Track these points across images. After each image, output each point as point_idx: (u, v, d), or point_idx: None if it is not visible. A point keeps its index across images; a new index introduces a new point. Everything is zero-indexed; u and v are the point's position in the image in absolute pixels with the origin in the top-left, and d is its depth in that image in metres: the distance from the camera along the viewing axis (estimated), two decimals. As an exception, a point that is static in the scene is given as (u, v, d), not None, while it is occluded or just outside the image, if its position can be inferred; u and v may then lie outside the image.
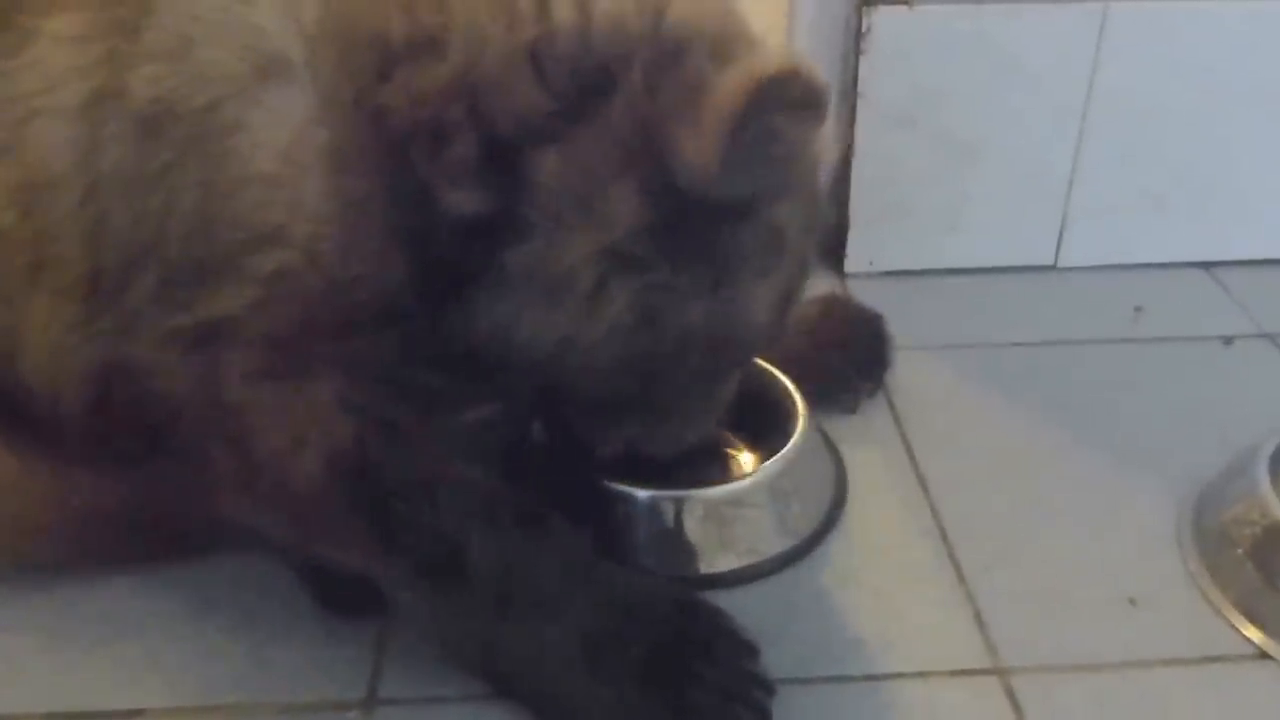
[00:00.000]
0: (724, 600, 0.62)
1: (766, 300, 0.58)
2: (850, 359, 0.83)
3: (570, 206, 0.53)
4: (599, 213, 0.53)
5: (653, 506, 0.68)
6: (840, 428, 0.82)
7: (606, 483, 0.69)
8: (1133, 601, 0.68)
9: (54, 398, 0.62)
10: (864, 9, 0.89)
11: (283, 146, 0.54)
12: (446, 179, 0.53)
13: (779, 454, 0.71)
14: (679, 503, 0.68)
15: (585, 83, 0.52)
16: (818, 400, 0.81)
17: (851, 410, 0.83)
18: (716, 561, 0.69)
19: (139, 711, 0.60)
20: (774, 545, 0.70)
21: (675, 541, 0.68)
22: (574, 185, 0.52)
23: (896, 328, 0.87)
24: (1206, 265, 1.02)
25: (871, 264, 1.00)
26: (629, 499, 0.68)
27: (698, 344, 0.57)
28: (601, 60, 0.52)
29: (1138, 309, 0.96)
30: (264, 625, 0.65)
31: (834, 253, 1.00)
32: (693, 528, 0.68)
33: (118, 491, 0.64)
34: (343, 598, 0.65)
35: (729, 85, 0.50)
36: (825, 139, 0.55)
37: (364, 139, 0.54)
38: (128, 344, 0.58)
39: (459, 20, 0.53)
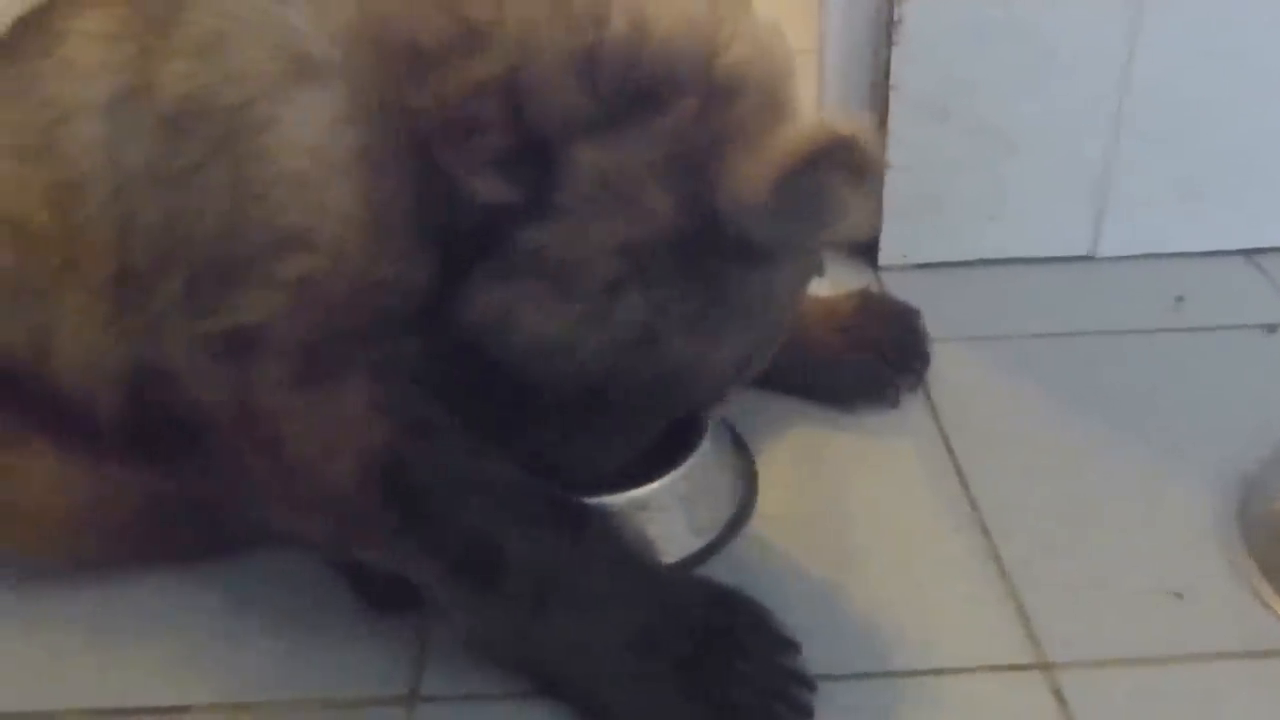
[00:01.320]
0: (761, 593, 0.61)
1: (737, 352, 0.59)
2: (887, 357, 0.82)
3: (605, 193, 0.52)
4: (633, 206, 0.52)
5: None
6: (875, 420, 0.81)
7: None
8: (1178, 595, 0.66)
9: (88, 397, 0.62)
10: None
11: (312, 146, 0.54)
12: (473, 168, 0.53)
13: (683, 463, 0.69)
14: None
15: (632, 96, 0.53)
16: (855, 399, 0.81)
17: (893, 405, 0.82)
18: None
19: (184, 708, 0.60)
20: (686, 546, 0.68)
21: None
22: (613, 175, 0.52)
23: (932, 320, 0.86)
24: (1247, 253, 0.99)
25: (905, 256, 0.98)
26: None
27: (669, 378, 0.57)
28: (651, 78, 0.53)
29: (1178, 298, 0.94)
30: (305, 621, 0.65)
31: (867, 245, 0.98)
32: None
33: (156, 489, 0.64)
34: (384, 594, 0.64)
35: (796, 133, 0.51)
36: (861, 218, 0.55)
37: (393, 140, 0.54)
38: (158, 346, 0.58)
39: (513, 18, 0.53)
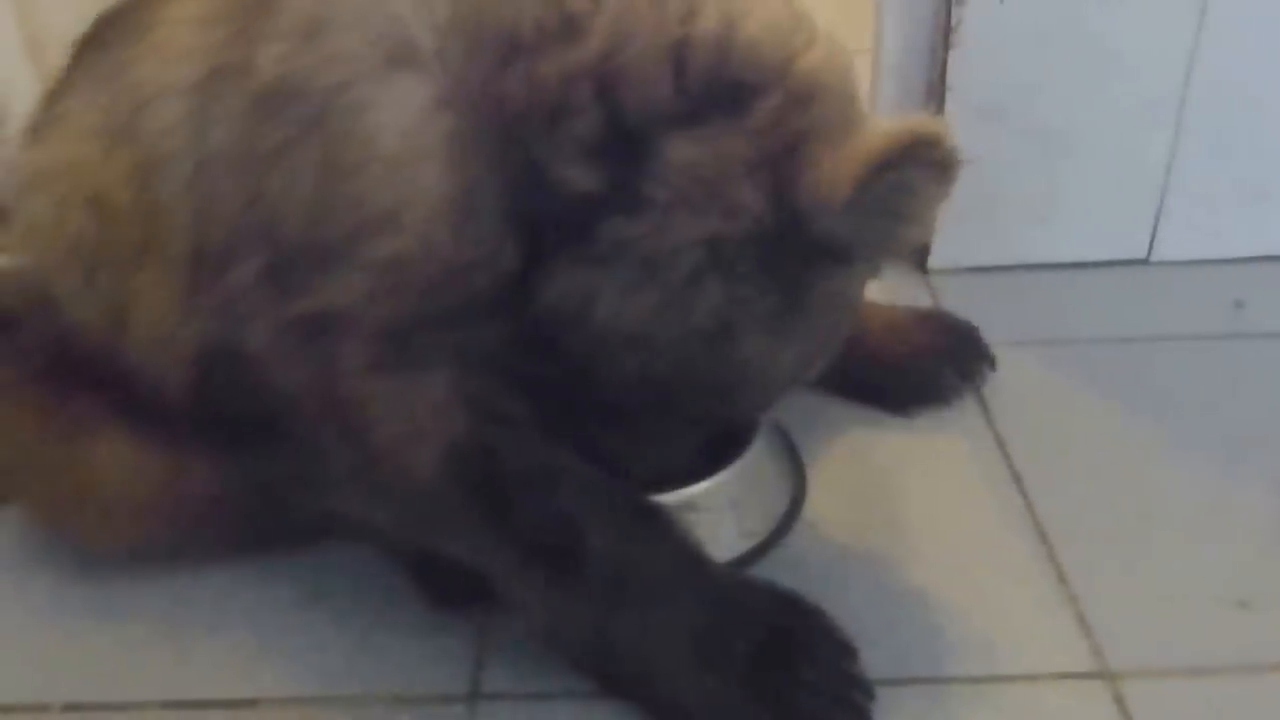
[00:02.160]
0: (821, 598, 0.60)
1: (805, 351, 0.58)
2: (951, 363, 0.82)
3: (695, 186, 0.52)
4: (721, 200, 0.52)
5: None
6: (926, 423, 0.80)
7: None
8: (1244, 604, 0.65)
9: (160, 377, 0.62)
10: (954, 3, 0.87)
11: (405, 129, 0.54)
12: (563, 155, 0.53)
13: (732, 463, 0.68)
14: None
15: (719, 91, 0.53)
16: (917, 403, 0.80)
17: (947, 402, 0.81)
18: None
19: (253, 701, 0.61)
20: (734, 548, 0.67)
21: None
22: (703, 169, 0.52)
23: (984, 324, 0.85)
24: (1313, 257, 0.98)
25: (959, 260, 0.97)
26: None
27: (737, 375, 0.57)
28: (738, 76, 0.53)
29: (1238, 303, 0.92)
30: (369, 616, 0.65)
31: (918, 249, 0.97)
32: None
33: (229, 477, 0.64)
34: (448, 590, 0.65)
35: (879, 131, 0.51)
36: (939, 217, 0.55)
37: (485, 126, 0.54)
38: (236, 329, 0.58)
39: (609, 8, 0.53)
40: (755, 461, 0.70)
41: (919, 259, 0.98)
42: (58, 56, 0.69)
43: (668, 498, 0.65)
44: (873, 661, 0.59)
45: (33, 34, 1.03)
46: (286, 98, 0.55)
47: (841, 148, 0.52)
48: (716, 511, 0.67)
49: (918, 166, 0.50)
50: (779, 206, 0.53)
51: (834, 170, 0.51)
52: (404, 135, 0.54)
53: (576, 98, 0.53)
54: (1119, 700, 0.59)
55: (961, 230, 0.95)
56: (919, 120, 0.51)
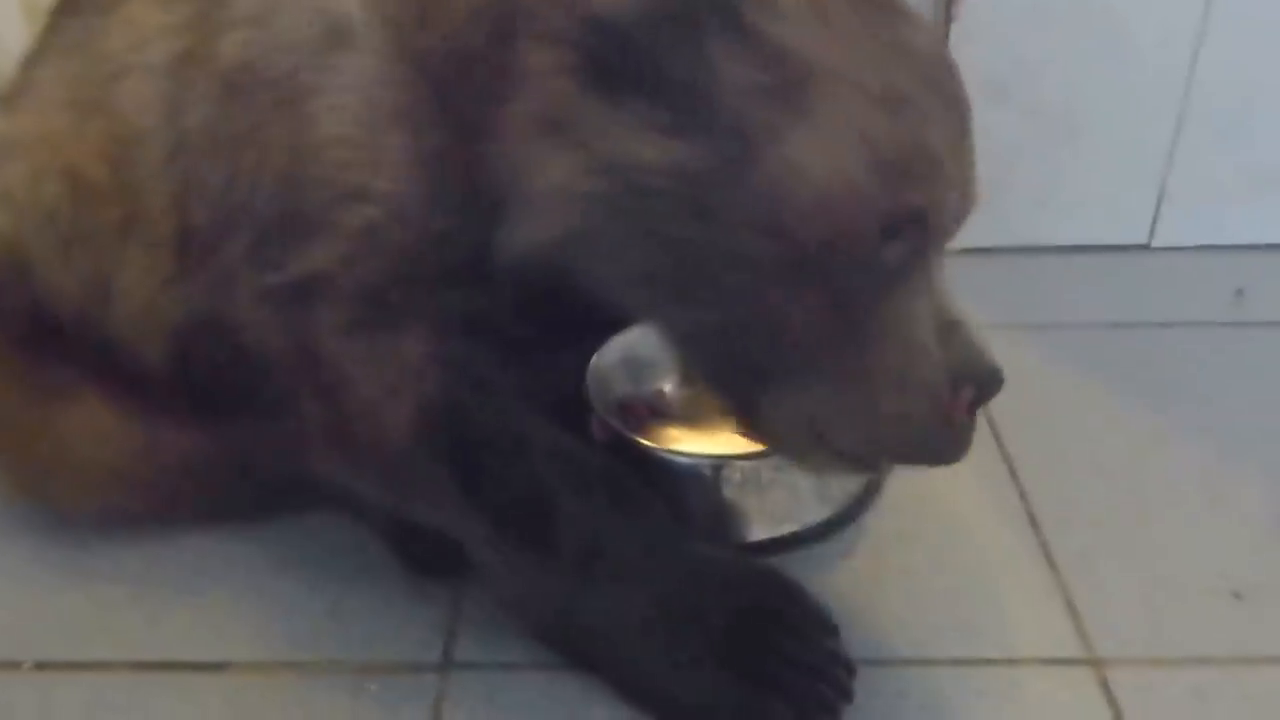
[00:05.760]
0: (799, 575, 0.57)
1: (826, 152, 0.47)
2: None
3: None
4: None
5: (692, 472, 0.64)
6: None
7: (646, 447, 0.65)
8: (1237, 595, 0.61)
9: (139, 347, 0.61)
10: (957, -24, 0.84)
11: (355, 110, 0.53)
12: (483, 104, 0.51)
13: None
14: (717, 468, 0.64)
15: None
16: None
17: None
18: (755, 529, 0.65)
19: (224, 664, 0.59)
20: (813, 514, 0.65)
21: (715, 508, 0.65)
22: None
23: (982, 306, 0.80)
24: (1316, 247, 0.94)
25: (958, 241, 0.94)
26: (669, 464, 0.64)
27: (708, 205, 0.48)
28: None
29: (1238, 291, 0.88)
30: (342, 582, 0.63)
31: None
32: (731, 494, 0.64)
33: (205, 445, 0.63)
34: (423, 557, 0.63)
35: None
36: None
37: (426, 91, 0.52)
38: (221, 301, 0.57)
39: None
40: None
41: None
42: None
43: (751, 457, 0.63)
44: (855, 641, 0.56)
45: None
46: (249, 83, 0.55)
47: None
48: (795, 473, 0.65)
49: None
50: (575, 38, 0.49)
51: None
52: (355, 118, 0.53)
53: (477, 40, 0.51)
54: (1105, 687, 0.56)
55: (960, 212, 0.92)
56: None
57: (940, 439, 0.52)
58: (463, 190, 0.53)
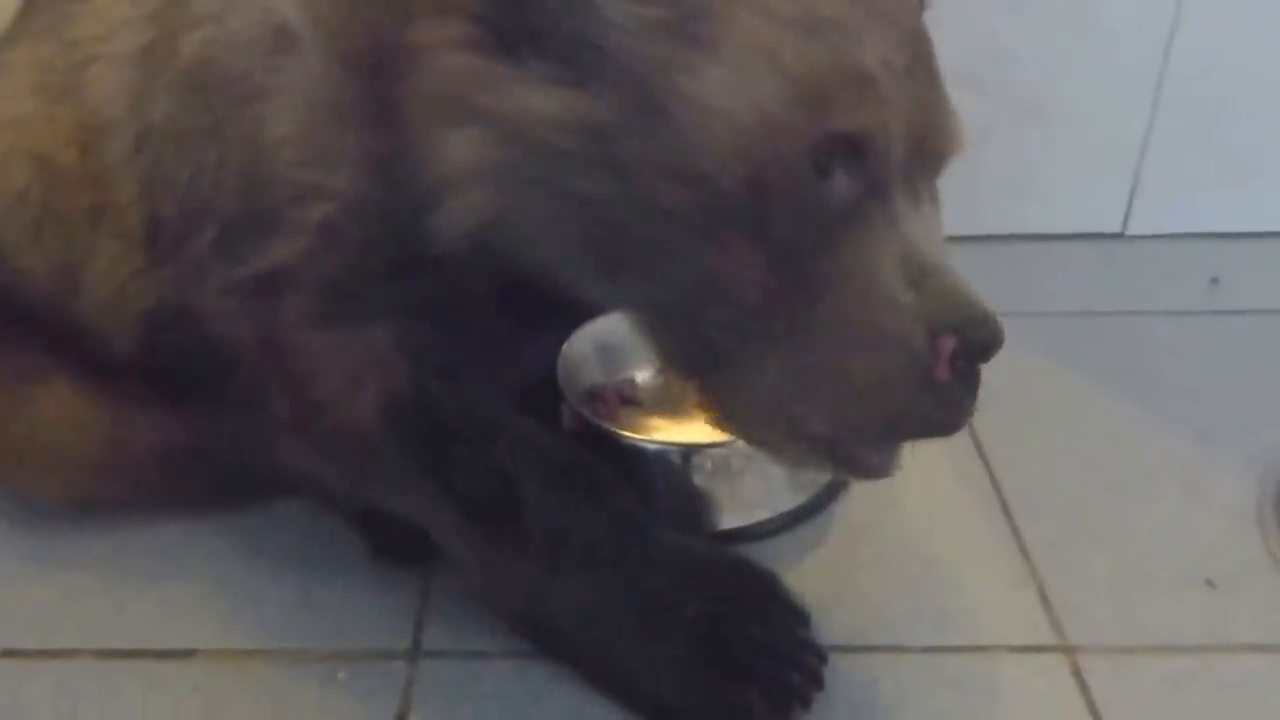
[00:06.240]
0: (770, 563, 0.57)
1: (735, 84, 0.43)
2: None
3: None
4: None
5: (661, 459, 0.64)
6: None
7: (617, 435, 0.64)
8: (1210, 583, 0.61)
9: (108, 334, 0.60)
10: (928, -37, 0.83)
11: (302, 111, 0.52)
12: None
13: None
14: (687, 456, 0.63)
15: None
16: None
17: None
18: (726, 517, 0.64)
19: (191, 651, 0.58)
20: (785, 501, 0.65)
21: (685, 496, 0.63)
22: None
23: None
24: (1290, 234, 0.94)
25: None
26: (639, 452, 0.64)
27: (611, 156, 0.45)
28: None
29: (1213, 279, 0.88)
30: (311, 571, 0.62)
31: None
32: (702, 481, 0.64)
33: (175, 433, 0.62)
34: (392, 545, 0.62)
35: None
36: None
37: (359, 91, 0.51)
38: (189, 293, 0.57)
39: None
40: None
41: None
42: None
43: (724, 444, 0.61)
44: (827, 629, 0.55)
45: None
46: (208, 81, 0.54)
47: None
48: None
49: None
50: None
51: None
52: (304, 120, 0.52)
53: (390, 33, 0.49)
54: (1077, 674, 0.56)
55: (935, 200, 0.91)
56: None
57: (924, 403, 0.45)
58: (406, 183, 0.51)
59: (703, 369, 0.50)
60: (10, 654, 0.58)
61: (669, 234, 0.45)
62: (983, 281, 0.85)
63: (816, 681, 0.53)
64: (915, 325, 0.44)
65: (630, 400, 0.70)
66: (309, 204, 0.53)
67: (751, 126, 0.43)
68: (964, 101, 0.86)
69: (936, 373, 0.44)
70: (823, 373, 0.45)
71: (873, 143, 0.44)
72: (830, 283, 0.44)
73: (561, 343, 0.68)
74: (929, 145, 0.47)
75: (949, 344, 0.44)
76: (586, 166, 0.46)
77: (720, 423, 0.51)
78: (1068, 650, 0.57)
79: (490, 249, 0.50)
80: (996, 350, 0.46)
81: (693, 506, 0.65)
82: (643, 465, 0.64)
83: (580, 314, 0.65)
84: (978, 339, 0.45)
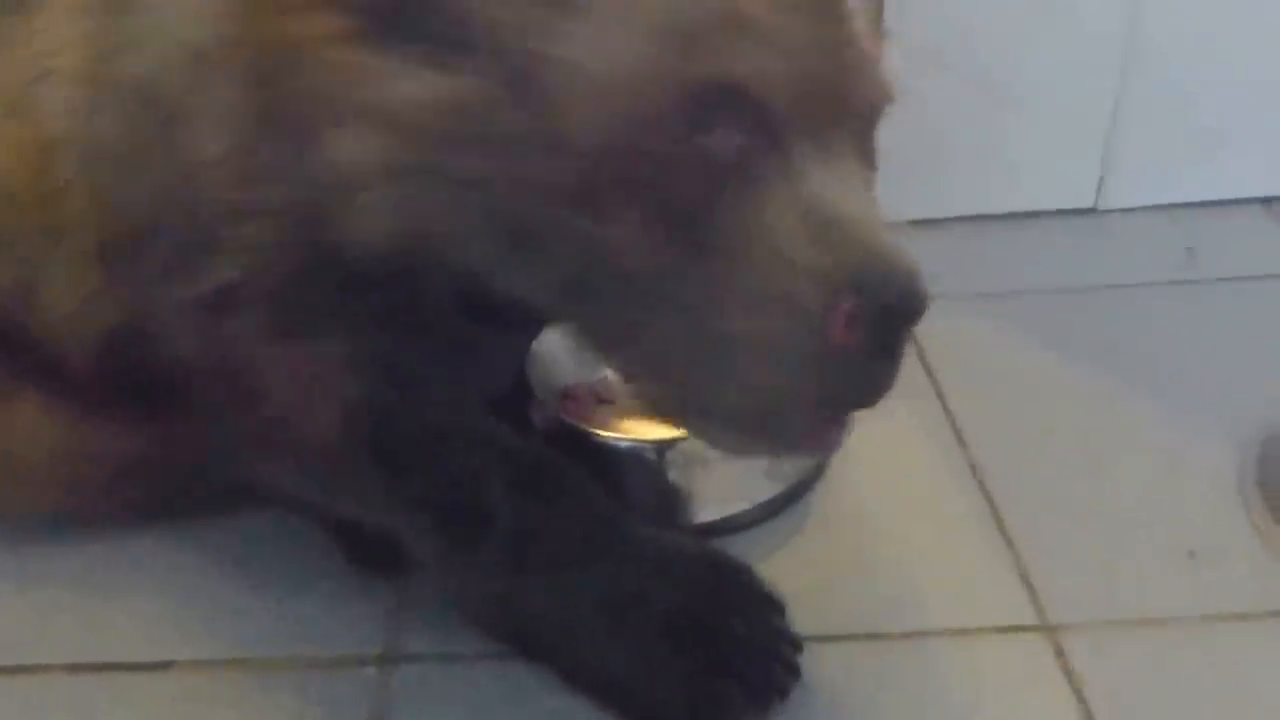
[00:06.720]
0: (746, 554, 0.56)
1: (599, 40, 0.41)
2: None
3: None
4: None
5: (635, 456, 0.63)
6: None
7: (590, 434, 0.63)
8: (1192, 555, 0.60)
9: (72, 353, 0.59)
10: (893, -60, 0.82)
11: (226, 131, 0.50)
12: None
13: None
14: (661, 451, 0.63)
15: None
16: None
17: None
18: (703, 511, 0.63)
19: (166, 664, 0.57)
20: (762, 492, 0.64)
21: (660, 491, 0.63)
22: None
23: (930, 277, 0.79)
24: (1265, 201, 0.92)
25: (900, 213, 0.92)
26: (611, 449, 0.63)
27: (486, 124, 0.43)
28: None
29: (1189, 250, 0.87)
30: (284, 580, 0.61)
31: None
32: (677, 476, 0.63)
33: (143, 446, 0.61)
34: (365, 551, 0.61)
35: None
36: None
37: (270, 109, 0.49)
38: (143, 313, 0.56)
39: None
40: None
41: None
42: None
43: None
44: (803, 617, 0.54)
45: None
46: (141, 103, 0.53)
47: None
48: None
49: None
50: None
51: None
52: (227, 140, 0.50)
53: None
54: (1059, 653, 0.55)
55: (905, 181, 0.90)
56: None
57: (822, 372, 0.40)
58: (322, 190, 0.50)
59: (619, 354, 0.47)
60: (-19, 672, 0.57)
61: (552, 209, 0.43)
62: (957, 264, 0.85)
63: (794, 672, 0.52)
64: (809, 284, 0.39)
65: (605, 400, 0.70)
66: (245, 222, 0.51)
67: (615, 83, 0.40)
68: (931, 83, 0.86)
69: (832, 337, 0.39)
70: (721, 343, 0.41)
71: (752, 90, 0.40)
72: (721, 245, 0.40)
73: (530, 343, 0.67)
74: (840, 93, 0.43)
75: (845, 304, 0.39)
76: (467, 148, 0.44)
77: (656, 416, 0.48)
78: (1050, 629, 0.56)
79: (415, 251, 0.49)
80: (915, 314, 0.41)
81: (668, 502, 0.64)
82: (617, 462, 0.63)
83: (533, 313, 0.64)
84: (885, 299, 0.39)
